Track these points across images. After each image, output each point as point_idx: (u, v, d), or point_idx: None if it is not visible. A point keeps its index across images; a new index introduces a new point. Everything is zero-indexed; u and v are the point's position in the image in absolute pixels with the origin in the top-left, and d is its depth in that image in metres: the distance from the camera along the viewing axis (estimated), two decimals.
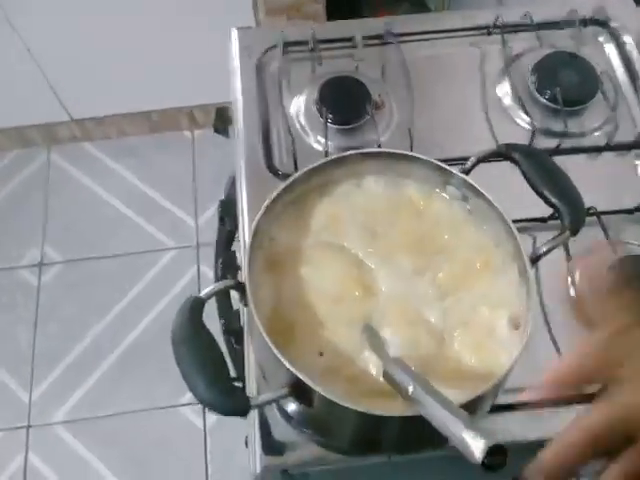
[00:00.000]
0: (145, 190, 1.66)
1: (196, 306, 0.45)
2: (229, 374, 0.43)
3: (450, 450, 0.50)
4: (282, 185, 0.50)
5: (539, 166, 0.47)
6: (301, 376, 0.41)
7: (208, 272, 1.55)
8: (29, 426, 1.38)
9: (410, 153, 0.49)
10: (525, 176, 0.48)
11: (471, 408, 0.46)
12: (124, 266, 1.56)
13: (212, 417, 1.38)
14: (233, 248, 0.79)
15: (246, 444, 0.65)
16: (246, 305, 0.50)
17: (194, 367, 0.42)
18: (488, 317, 0.47)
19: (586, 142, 0.69)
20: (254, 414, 0.59)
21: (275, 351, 0.43)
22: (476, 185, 0.48)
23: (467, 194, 0.50)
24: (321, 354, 0.46)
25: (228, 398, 0.42)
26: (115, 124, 1.67)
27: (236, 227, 0.79)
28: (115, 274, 1.55)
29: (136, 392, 1.41)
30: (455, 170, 0.49)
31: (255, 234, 0.48)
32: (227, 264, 0.71)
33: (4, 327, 1.48)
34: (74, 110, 1.59)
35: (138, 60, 1.46)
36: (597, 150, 0.68)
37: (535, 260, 0.46)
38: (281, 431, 0.57)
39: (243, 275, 0.47)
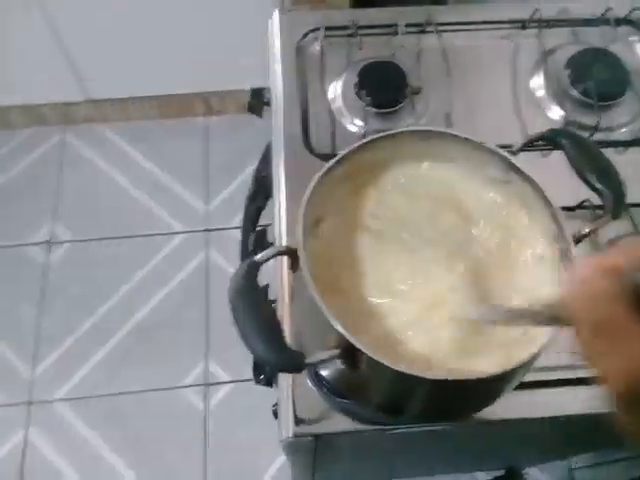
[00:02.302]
0: (157, 174, 1.67)
1: (252, 269, 0.47)
2: (283, 333, 0.45)
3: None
4: (335, 158, 0.51)
5: (584, 151, 0.49)
6: (356, 342, 0.43)
7: (217, 257, 1.56)
8: (30, 402, 1.38)
9: (462, 134, 0.51)
10: (570, 161, 0.50)
11: (507, 378, 0.48)
12: (133, 248, 1.57)
13: (214, 399, 1.40)
14: (261, 223, 0.80)
15: (275, 415, 0.67)
16: (294, 271, 0.52)
17: (252, 325, 0.44)
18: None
19: (615, 136, 0.71)
20: (286, 384, 0.60)
21: (327, 313, 0.44)
22: (523, 168, 0.50)
23: (511, 177, 0.52)
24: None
25: (285, 355, 0.44)
26: (131, 107, 1.68)
27: (265, 204, 0.81)
28: (123, 256, 1.56)
29: (139, 373, 1.42)
30: (501, 151, 0.51)
31: (308, 203, 0.49)
32: (259, 240, 0.73)
33: (10, 303, 1.49)
34: (91, 90, 1.59)
35: (158, 43, 1.47)
36: (625, 145, 0.70)
37: (578, 241, 0.48)
38: (312, 400, 0.59)
39: (291, 241, 0.48)
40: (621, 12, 0.77)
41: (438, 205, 0.55)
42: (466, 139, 0.52)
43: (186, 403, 1.39)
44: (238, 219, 1.60)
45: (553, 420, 0.58)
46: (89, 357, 1.43)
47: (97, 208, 1.61)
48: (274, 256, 0.49)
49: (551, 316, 0.33)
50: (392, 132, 0.53)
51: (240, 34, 1.43)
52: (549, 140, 0.51)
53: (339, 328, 0.44)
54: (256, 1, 1.36)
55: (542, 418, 0.58)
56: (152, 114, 1.70)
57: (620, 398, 0.27)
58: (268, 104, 0.80)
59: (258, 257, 0.48)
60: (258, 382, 0.68)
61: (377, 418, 0.58)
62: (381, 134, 0.52)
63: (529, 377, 0.51)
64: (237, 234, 1.59)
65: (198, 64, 1.52)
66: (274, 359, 0.43)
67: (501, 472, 1.18)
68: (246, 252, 0.78)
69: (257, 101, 0.81)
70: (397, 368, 0.42)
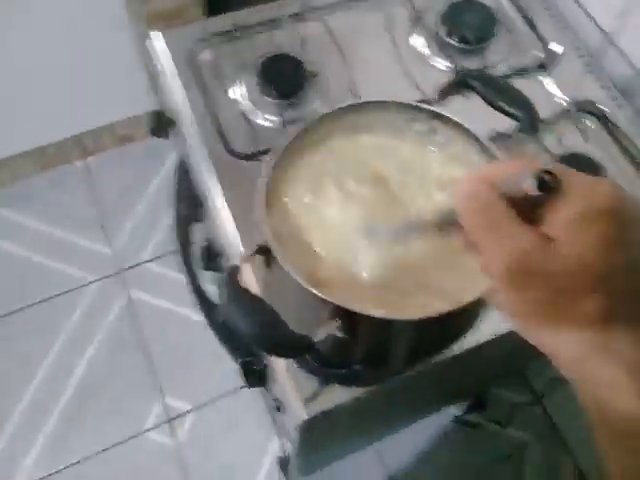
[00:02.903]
0: (50, 231, 1.58)
1: (234, 275, 0.48)
2: (285, 322, 0.47)
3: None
4: (274, 158, 0.54)
5: (494, 85, 0.55)
6: (353, 307, 0.46)
7: (138, 294, 1.52)
8: None
9: (388, 100, 0.55)
10: (483, 96, 0.56)
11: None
12: (47, 312, 1.49)
13: (182, 432, 1.37)
14: (204, 242, 0.81)
15: (278, 409, 0.69)
16: (268, 266, 0.54)
17: (257, 322, 0.46)
18: None
19: (497, 72, 0.79)
20: (283, 374, 0.62)
21: (322, 296, 0.47)
22: (445, 113, 0.55)
23: (435, 126, 0.57)
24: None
25: (293, 340, 0.46)
26: (2, 168, 1.58)
27: (199, 220, 0.82)
28: (39, 323, 1.47)
29: (95, 434, 1.35)
30: (425, 105, 0.56)
31: (267, 195, 0.51)
32: (208, 255, 0.73)
33: None
34: None
35: (15, 97, 1.40)
36: (508, 77, 0.78)
37: None
38: (310, 382, 0.61)
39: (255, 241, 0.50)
40: None
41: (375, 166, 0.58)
42: (387, 103, 0.56)
43: (155, 445, 1.35)
44: (149, 251, 1.59)
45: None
46: (36, 436, 1.34)
47: None
48: (252, 256, 0.51)
49: (446, 222, 0.38)
50: (314, 120, 0.56)
51: (99, 69, 1.40)
52: (462, 84, 0.56)
53: (336, 301, 0.47)
54: (109, 32, 1.34)
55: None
56: (26, 171, 1.61)
57: (502, 279, 0.32)
58: (172, 124, 0.80)
59: (237, 262, 0.50)
60: (251, 385, 0.69)
61: (372, 376, 0.62)
62: (305, 126, 0.55)
63: None
64: (152, 266, 1.57)
65: (62, 109, 1.46)
66: (285, 346, 0.46)
67: (470, 401, 1.27)
68: (192, 274, 0.78)
69: (160, 124, 0.81)
70: (409, 318, 0.46)
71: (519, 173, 0.31)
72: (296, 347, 0.46)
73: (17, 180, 1.61)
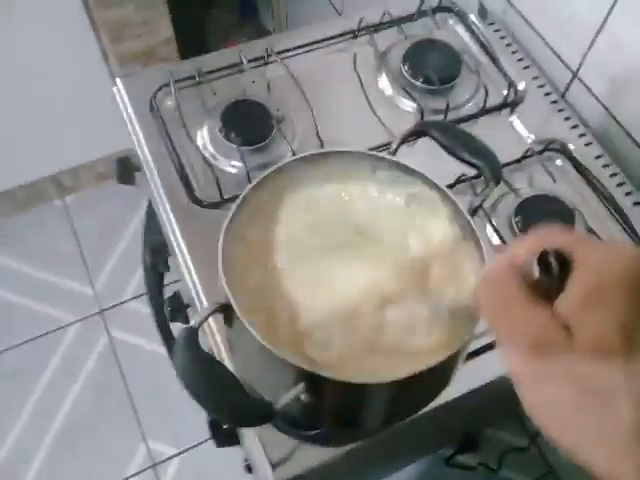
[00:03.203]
0: (29, 271, 1.56)
1: (191, 336, 0.46)
2: (245, 389, 0.45)
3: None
4: (233, 208, 0.52)
5: (454, 135, 0.54)
6: (321, 372, 0.44)
7: (120, 334, 1.49)
8: None
9: (345, 149, 0.54)
10: (443, 146, 0.54)
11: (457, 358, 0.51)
12: (26, 355, 1.46)
13: (167, 477, 1.34)
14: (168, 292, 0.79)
15: (248, 470, 0.66)
16: (230, 326, 0.52)
17: (214, 391, 0.43)
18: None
19: (464, 112, 0.78)
20: (252, 436, 0.60)
21: (284, 356, 0.45)
22: (406, 163, 0.54)
23: (397, 175, 0.56)
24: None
25: (254, 411, 0.44)
26: None
27: (165, 267, 0.80)
28: (20, 365, 1.45)
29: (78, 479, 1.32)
30: (384, 154, 0.54)
31: (224, 261, 0.50)
32: (174, 304, 0.71)
33: None
34: None
35: None
36: (474, 117, 0.77)
37: (473, 213, 0.53)
38: (280, 443, 0.59)
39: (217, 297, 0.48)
40: (434, 1, 0.85)
41: (339, 218, 0.57)
42: (351, 152, 0.55)
43: None
44: (130, 290, 1.56)
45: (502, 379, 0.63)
46: None
47: None
48: (209, 316, 0.49)
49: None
50: (275, 167, 0.54)
51: (78, 106, 1.39)
52: (420, 133, 0.55)
53: (300, 364, 0.45)
54: (85, 73, 1.33)
55: (494, 379, 0.62)
56: (5, 211, 1.59)
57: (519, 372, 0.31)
58: (138, 169, 0.79)
59: (194, 322, 0.48)
60: (220, 444, 0.66)
61: (344, 437, 0.60)
62: (265, 173, 0.53)
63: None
64: (134, 305, 1.55)
65: (39, 148, 1.45)
66: (246, 419, 0.43)
67: (458, 443, 1.24)
68: (163, 323, 0.76)
69: (125, 169, 0.79)
70: (365, 381, 0.44)
71: (527, 258, 0.32)
72: (256, 416, 0.44)
73: None
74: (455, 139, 0.53)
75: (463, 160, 0.54)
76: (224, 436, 0.66)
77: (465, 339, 0.47)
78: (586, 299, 0.29)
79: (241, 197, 0.52)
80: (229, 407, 0.43)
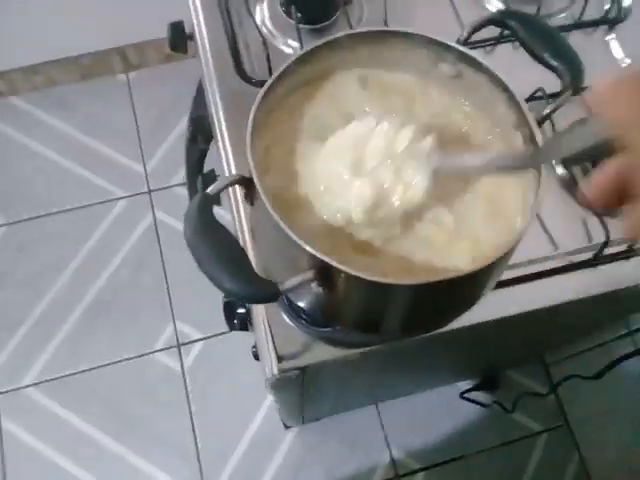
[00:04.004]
0: (85, 140, 1.57)
1: (205, 203, 0.43)
2: (251, 264, 0.42)
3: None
4: (274, 74, 0.48)
5: (536, 30, 0.47)
6: (328, 259, 0.41)
7: (164, 217, 1.51)
8: None
9: (405, 29, 0.48)
10: (522, 41, 0.48)
11: (485, 275, 0.47)
12: (74, 221, 1.50)
13: (189, 357, 1.38)
14: (207, 168, 0.76)
15: (255, 356, 0.65)
16: (252, 203, 0.49)
17: (218, 262, 0.41)
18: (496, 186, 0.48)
19: (556, 22, 0.69)
20: (262, 323, 0.58)
21: (295, 237, 0.41)
22: (474, 55, 0.48)
23: (462, 69, 0.50)
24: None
25: (258, 286, 0.41)
26: (42, 73, 1.56)
27: (209, 144, 0.77)
28: (66, 230, 1.49)
29: (106, 346, 1.38)
30: (451, 42, 0.48)
31: (253, 127, 0.46)
32: (208, 182, 0.69)
33: None
34: None
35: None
36: (566, 29, 0.69)
37: (541, 122, 0.47)
38: (291, 335, 0.57)
39: (245, 168, 0.45)
40: None
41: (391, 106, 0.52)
42: (412, 34, 0.49)
43: (162, 367, 1.37)
44: (180, 175, 1.56)
45: (530, 315, 0.59)
46: (50, 339, 1.38)
47: (26, 186, 1.52)
48: (227, 186, 0.46)
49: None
50: (330, 39, 0.49)
51: None
52: (498, 23, 0.48)
53: (309, 249, 0.41)
54: None
55: (521, 313, 0.58)
56: (66, 78, 1.59)
57: None
58: (192, 38, 0.74)
59: (210, 189, 0.45)
60: (233, 328, 0.65)
61: (358, 340, 0.57)
62: (318, 42, 0.48)
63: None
64: (182, 191, 1.55)
65: (107, 17, 1.42)
66: (247, 291, 0.41)
67: (480, 380, 1.22)
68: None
69: (178, 36, 0.75)
70: (378, 280, 0.41)
71: None
72: (257, 292, 0.42)
73: (56, 86, 1.60)
74: (535, 33, 0.47)
75: (542, 60, 0.47)
76: (238, 321, 0.65)
77: (499, 254, 0.42)
78: None
79: (282, 68, 0.48)
80: (230, 277, 0.40)
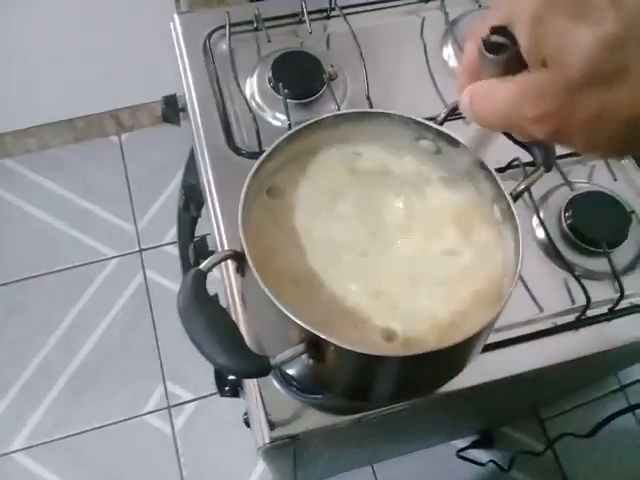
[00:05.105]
0: (77, 201, 1.60)
1: (198, 278, 0.45)
2: (243, 338, 0.43)
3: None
4: (264, 154, 0.50)
5: None
6: (319, 333, 0.42)
7: (155, 276, 1.52)
8: None
9: (387, 111, 0.51)
10: None
11: (474, 342, 0.48)
12: (65, 282, 1.50)
13: (180, 420, 1.36)
14: (198, 234, 0.78)
15: (246, 424, 0.65)
16: (243, 275, 0.50)
17: (209, 335, 0.42)
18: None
19: None
20: (253, 391, 0.59)
21: (285, 311, 0.43)
22: (452, 134, 0.50)
23: (441, 145, 0.53)
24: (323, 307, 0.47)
25: (250, 361, 0.42)
26: (36, 136, 1.60)
27: (200, 210, 0.79)
28: (56, 291, 1.49)
29: (96, 409, 1.36)
30: (430, 122, 0.51)
31: (245, 200, 0.48)
32: (199, 250, 0.70)
33: None
34: None
35: (55, 65, 1.41)
36: None
37: (516, 197, 0.49)
38: (282, 402, 0.58)
39: (235, 245, 0.47)
40: None
41: (375, 183, 0.54)
42: (392, 115, 0.52)
43: (152, 430, 1.35)
44: (171, 234, 1.58)
45: (520, 377, 0.60)
46: (39, 403, 1.36)
47: (18, 246, 1.53)
48: (220, 262, 0.47)
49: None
50: (317, 119, 0.52)
51: (142, 44, 1.39)
52: None
53: (300, 322, 0.43)
54: (154, 9, 1.32)
55: (509, 376, 0.59)
56: (60, 141, 1.62)
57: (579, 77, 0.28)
58: (184, 110, 0.78)
59: (203, 265, 0.46)
60: (224, 395, 0.66)
61: (349, 407, 0.58)
62: (306, 123, 0.51)
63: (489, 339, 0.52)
64: (172, 250, 1.57)
65: (102, 81, 1.47)
66: (239, 366, 0.42)
67: (476, 437, 1.21)
68: (187, 265, 0.75)
69: (171, 109, 0.78)
70: (366, 352, 0.42)
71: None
72: (249, 367, 0.43)
73: (50, 148, 1.63)
74: None
75: (514, 140, 0.50)
76: (228, 386, 0.65)
77: (484, 323, 0.43)
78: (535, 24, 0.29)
79: (273, 146, 0.50)
80: (221, 353, 0.42)
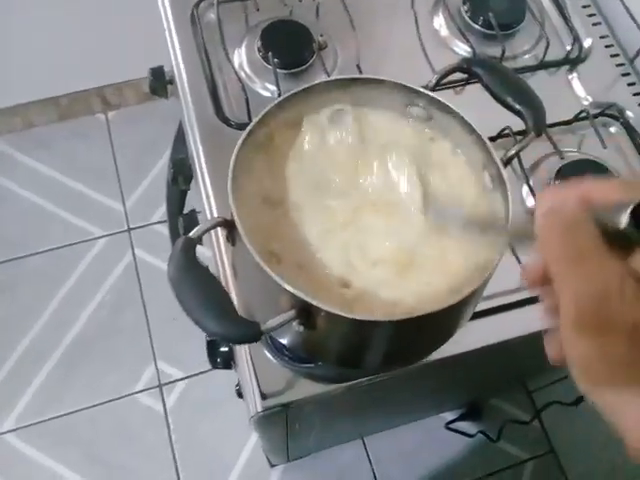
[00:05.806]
0: (64, 181, 1.58)
1: (188, 246, 0.45)
2: (234, 305, 0.43)
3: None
4: (253, 121, 0.50)
5: (500, 76, 0.50)
6: (309, 299, 0.42)
7: (144, 255, 1.51)
8: None
9: (378, 77, 0.50)
10: (487, 87, 0.50)
11: (463, 308, 0.49)
12: (53, 262, 1.49)
13: (171, 398, 1.36)
14: (187, 210, 0.77)
15: (239, 395, 0.65)
16: (233, 244, 0.50)
17: (200, 302, 0.42)
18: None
19: (520, 63, 0.73)
20: (245, 361, 0.59)
21: (276, 278, 0.43)
22: (442, 100, 0.50)
23: (432, 112, 0.52)
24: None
25: (240, 327, 0.42)
26: (21, 114, 1.57)
27: (189, 184, 0.78)
28: (44, 271, 1.48)
29: (86, 388, 1.36)
30: (421, 88, 0.50)
31: (235, 168, 0.47)
32: (189, 223, 0.70)
33: None
34: None
35: (39, 42, 1.38)
36: (531, 69, 0.72)
37: (506, 163, 0.49)
38: (274, 372, 0.58)
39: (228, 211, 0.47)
40: None
41: (367, 148, 0.54)
42: (383, 81, 0.52)
43: (143, 408, 1.35)
44: (160, 213, 1.57)
45: (508, 343, 0.60)
46: (29, 383, 1.35)
47: (4, 227, 1.51)
48: (210, 229, 0.47)
49: (517, 233, 0.34)
50: (307, 86, 0.51)
51: (127, 18, 1.36)
52: (464, 70, 0.51)
53: (289, 288, 0.43)
54: None
55: (497, 343, 0.60)
56: (45, 119, 1.60)
57: (573, 321, 0.27)
58: (171, 82, 0.76)
59: (193, 232, 0.46)
60: (215, 366, 0.66)
61: (340, 376, 0.58)
62: (296, 90, 0.50)
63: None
64: (161, 228, 1.55)
65: (87, 58, 1.44)
66: (229, 331, 0.42)
67: (464, 410, 1.23)
68: (177, 236, 0.75)
69: (159, 81, 0.77)
70: (357, 317, 0.42)
71: (616, 203, 0.27)
72: (239, 333, 0.43)
73: (35, 127, 1.61)
74: (500, 80, 0.49)
75: (506, 104, 0.50)
76: (220, 359, 0.65)
77: (471, 289, 0.43)
78: None
79: (263, 112, 0.50)
80: (212, 318, 0.41)
